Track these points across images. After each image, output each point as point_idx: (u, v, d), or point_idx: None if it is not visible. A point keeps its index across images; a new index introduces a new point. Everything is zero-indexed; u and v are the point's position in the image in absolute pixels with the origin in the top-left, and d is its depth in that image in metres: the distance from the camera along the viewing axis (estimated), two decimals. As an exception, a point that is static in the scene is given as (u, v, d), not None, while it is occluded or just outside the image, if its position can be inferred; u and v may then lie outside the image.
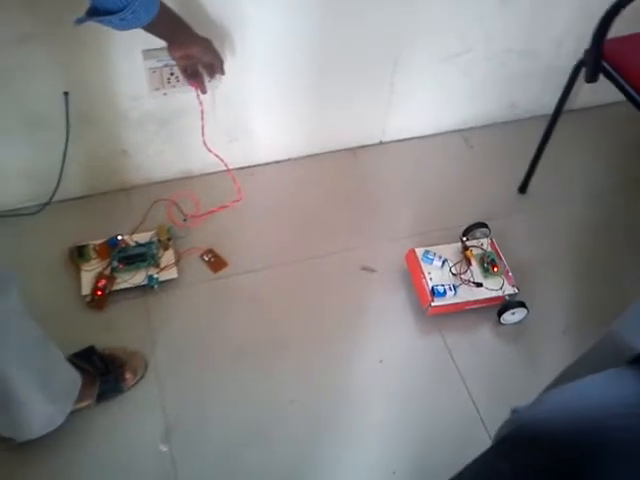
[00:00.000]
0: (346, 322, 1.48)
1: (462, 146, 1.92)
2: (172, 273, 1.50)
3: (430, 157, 1.87)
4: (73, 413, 1.24)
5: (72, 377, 1.22)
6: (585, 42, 1.36)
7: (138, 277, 1.48)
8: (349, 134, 1.83)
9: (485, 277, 1.50)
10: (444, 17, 1.60)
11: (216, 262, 1.55)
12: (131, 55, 1.39)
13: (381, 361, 1.42)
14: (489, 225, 1.58)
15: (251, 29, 1.45)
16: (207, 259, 1.55)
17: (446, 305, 1.45)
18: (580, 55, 1.42)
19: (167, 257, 1.53)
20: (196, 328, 1.44)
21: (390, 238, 1.65)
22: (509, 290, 1.48)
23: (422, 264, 1.50)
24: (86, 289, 1.45)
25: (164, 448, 1.26)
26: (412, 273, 1.52)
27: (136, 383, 1.34)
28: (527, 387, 1.01)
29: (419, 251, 1.52)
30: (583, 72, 1.42)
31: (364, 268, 1.58)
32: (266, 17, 1.44)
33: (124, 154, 1.60)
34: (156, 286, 1.47)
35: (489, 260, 1.52)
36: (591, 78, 1.38)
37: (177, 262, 1.52)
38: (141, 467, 1.24)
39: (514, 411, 0.89)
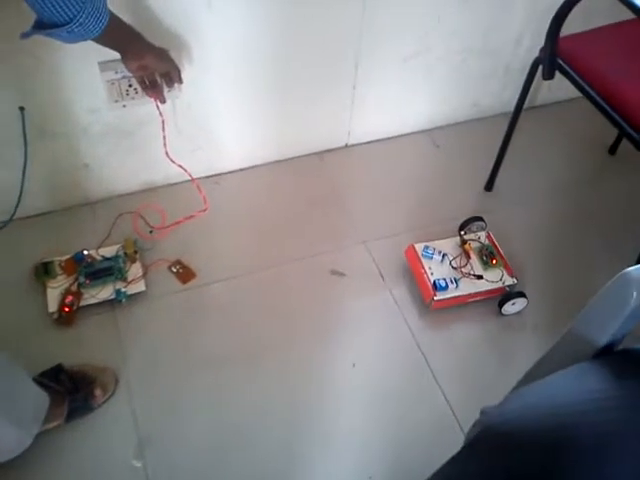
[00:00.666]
0: (317, 327, 1.48)
1: (428, 146, 1.93)
2: (140, 286, 1.49)
3: (397, 158, 1.88)
4: (42, 434, 1.22)
5: (39, 399, 1.20)
6: (541, 40, 1.38)
7: (106, 292, 1.46)
8: (314, 138, 1.83)
9: (485, 269, 1.53)
10: (403, 18, 1.61)
11: (184, 273, 1.54)
12: (87, 67, 1.37)
13: (354, 365, 1.43)
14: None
15: (208, 37, 1.44)
16: (175, 270, 1.54)
17: (448, 298, 1.47)
18: (537, 53, 1.44)
19: (134, 270, 1.51)
20: (166, 340, 1.43)
21: (358, 241, 1.65)
22: (509, 281, 1.51)
23: (422, 259, 1.53)
24: (53, 306, 1.43)
25: (138, 464, 1.25)
26: (412, 269, 1.54)
27: (106, 400, 1.32)
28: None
29: (419, 247, 1.54)
30: (541, 70, 1.44)
31: (334, 272, 1.58)
32: (223, 25, 1.43)
33: (86, 168, 1.58)
34: (124, 300, 1.46)
35: (487, 252, 1.55)
36: (548, 75, 1.39)
37: (145, 275, 1.51)
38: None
39: (483, 412, 0.89)
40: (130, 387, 1.35)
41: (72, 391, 1.27)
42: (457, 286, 1.48)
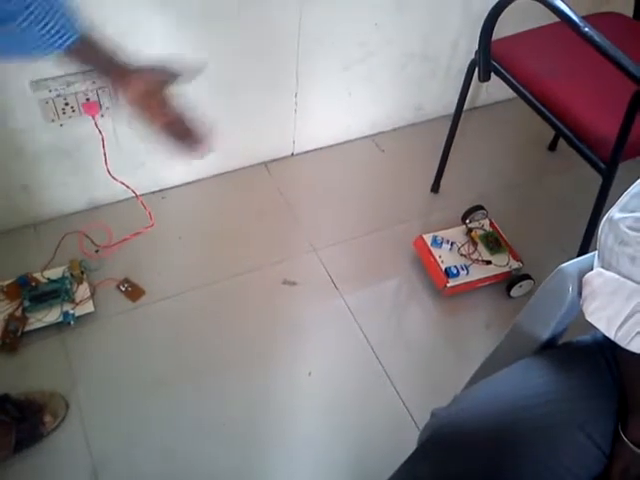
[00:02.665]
0: (271, 338, 1.47)
1: (373, 151, 1.95)
2: (88, 307, 1.46)
3: (343, 164, 1.89)
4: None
5: None
6: (476, 43, 1.40)
7: (52, 314, 1.43)
8: (260, 149, 1.82)
9: (492, 255, 1.60)
10: (340, 25, 1.62)
11: (133, 291, 1.52)
12: (19, 86, 1.34)
13: (310, 373, 1.42)
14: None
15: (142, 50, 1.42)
16: (124, 289, 1.52)
17: (460, 284, 1.54)
18: (473, 56, 1.47)
19: (82, 291, 1.48)
20: (118, 361, 1.40)
21: (308, 249, 1.65)
22: (515, 265, 1.58)
23: (432, 249, 1.58)
24: (-5, 333, 1.39)
25: (92, 488, 1.22)
26: (423, 259, 1.61)
27: (57, 426, 1.28)
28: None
29: (427, 237, 1.61)
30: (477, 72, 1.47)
31: (285, 282, 1.58)
32: (161, 37, 1.42)
33: (25, 189, 1.54)
34: (72, 322, 1.42)
35: (492, 239, 1.62)
36: (483, 77, 1.42)
37: (92, 295, 1.48)
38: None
39: (433, 414, 0.91)
40: (81, 411, 1.32)
41: (20, 420, 1.23)
42: (468, 272, 1.55)
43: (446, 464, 0.79)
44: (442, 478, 0.81)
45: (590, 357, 0.86)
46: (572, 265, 0.83)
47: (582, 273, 0.80)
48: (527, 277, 1.56)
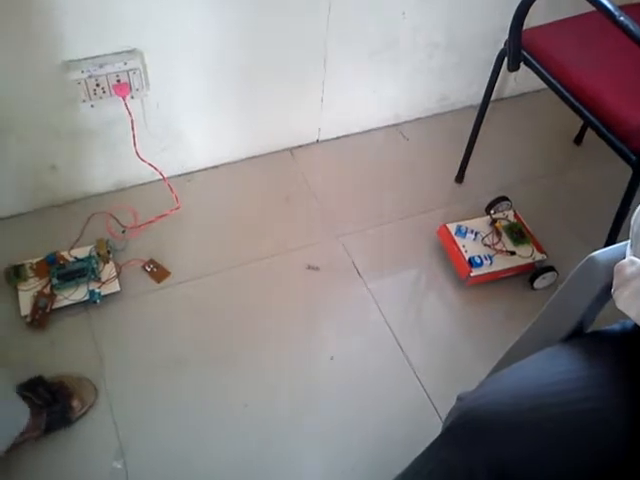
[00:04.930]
0: (294, 322, 1.49)
1: (398, 140, 1.95)
2: (114, 286, 1.48)
3: (367, 152, 1.89)
4: (20, 446, 1.20)
5: (16, 410, 1.18)
6: (506, 33, 1.40)
7: (79, 293, 1.45)
8: (285, 135, 1.83)
9: (516, 246, 1.60)
10: (368, 14, 1.62)
11: (158, 272, 1.53)
12: (53, 67, 1.36)
13: (332, 358, 1.44)
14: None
15: (177, 36, 1.44)
16: (149, 270, 1.53)
17: (483, 274, 1.54)
18: (502, 45, 1.46)
19: (108, 271, 1.50)
20: (142, 340, 1.42)
21: (331, 235, 1.66)
22: (539, 257, 1.59)
23: (456, 238, 1.59)
24: (25, 309, 1.41)
25: (118, 465, 1.24)
26: (447, 248, 1.61)
27: (85, 412, 1.30)
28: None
29: (451, 226, 1.62)
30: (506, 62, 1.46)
31: (309, 267, 1.59)
32: (192, 25, 1.43)
33: (54, 169, 1.56)
34: (98, 301, 1.45)
35: (517, 230, 1.63)
36: (512, 67, 1.42)
37: (118, 275, 1.50)
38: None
39: (459, 398, 0.91)
40: (106, 389, 1.34)
41: (50, 403, 1.25)
42: (491, 262, 1.56)
43: (473, 447, 0.80)
44: (468, 461, 0.81)
45: (619, 346, 0.86)
46: (603, 254, 0.83)
47: (613, 262, 0.80)
48: (551, 269, 1.56)
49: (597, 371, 0.82)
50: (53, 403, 1.25)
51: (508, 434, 0.81)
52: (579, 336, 0.90)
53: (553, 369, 0.85)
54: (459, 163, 1.80)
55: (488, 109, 1.63)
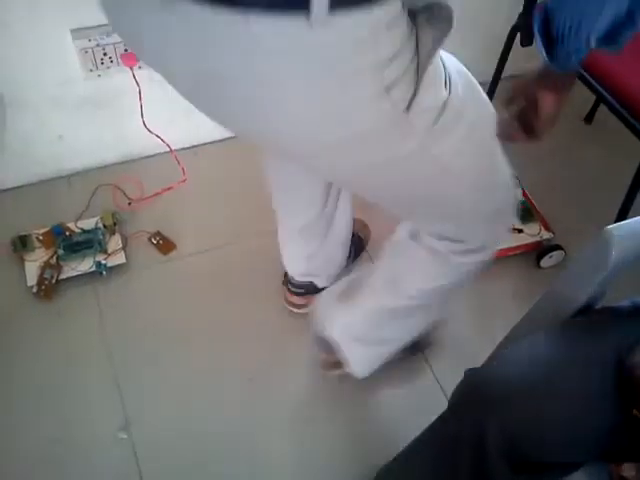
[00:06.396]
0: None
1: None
2: (120, 258, 1.48)
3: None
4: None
5: None
6: (519, 7, 1.38)
7: (85, 264, 1.45)
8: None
9: (523, 224, 1.59)
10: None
11: (164, 244, 1.53)
12: (60, 35, 1.35)
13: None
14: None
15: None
16: (155, 242, 1.53)
17: None
18: (515, 20, 1.44)
19: (114, 242, 1.50)
20: (148, 312, 1.43)
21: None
22: (546, 235, 1.59)
23: None
24: (31, 280, 1.41)
25: (124, 435, 1.25)
26: None
27: None
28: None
29: None
30: (519, 37, 1.44)
31: (315, 242, 1.58)
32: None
33: (60, 140, 1.55)
34: (104, 272, 1.45)
35: (524, 208, 1.62)
36: (526, 42, 1.40)
37: (124, 247, 1.50)
38: (102, 456, 1.23)
39: (466, 373, 0.91)
40: (111, 359, 1.34)
41: None
42: None
43: (483, 416, 0.80)
44: (475, 435, 0.81)
45: (629, 322, 0.86)
46: (619, 227, 0.82)
47: (628, 236, 0.80)
48: (558, 247, 1.56)
49: (604, 346, 0.82)
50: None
51: (515, 406, 0.81)
52: (588, 311, 0.90)
53: (561, 343, 0.85)
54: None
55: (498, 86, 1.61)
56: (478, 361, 0.96)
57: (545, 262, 1.57)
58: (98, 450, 1.23)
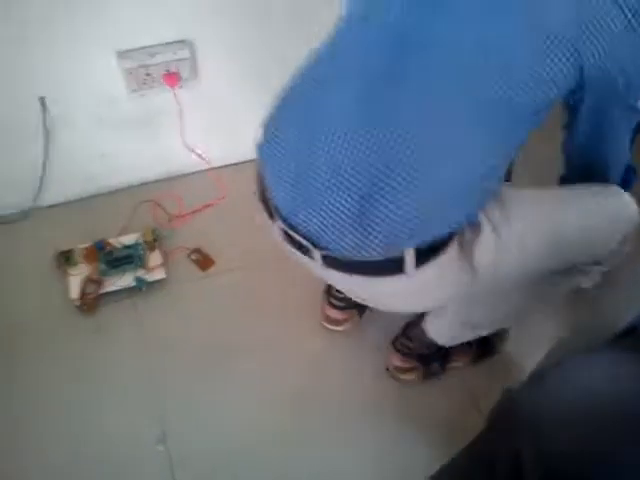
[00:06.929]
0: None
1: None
2: (160, 274, 1.50)
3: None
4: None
5: None
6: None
7: (126, 279, 1.48)
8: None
9: None
10: None
11: (203, 261, 1.55)
12: (106, 57, 1.39)
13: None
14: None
15: (223, 26, 1.45)
16: (194, 258, 1.55)
17: None
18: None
19: (154, 258, 1.52)
20: (186, 327, 1.44)
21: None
22: None
23: None
24: (74, 293, 1.44)
25: (161, 448, 1.26)
26: None
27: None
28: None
29: None
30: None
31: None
32: (239, 15, 1.44)
33: (104, 157, 1.59)
34: (144, 287, 1.47)
35: None
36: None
37: (164, 262, 1.52)
38: (139, 468, 1.25)
39: (508, 391, 0.89)
40: (150, 374, 1.36)
41: None
42: None
43: (516, 445, 0.78)
44: (511, 459, 0.80)
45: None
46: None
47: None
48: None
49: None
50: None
51: (559, 435, 0.79)
52: (633, 334, 0.88)
53: (611, 369, 0.83)
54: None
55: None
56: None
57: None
58: (136, 463, 1.25)
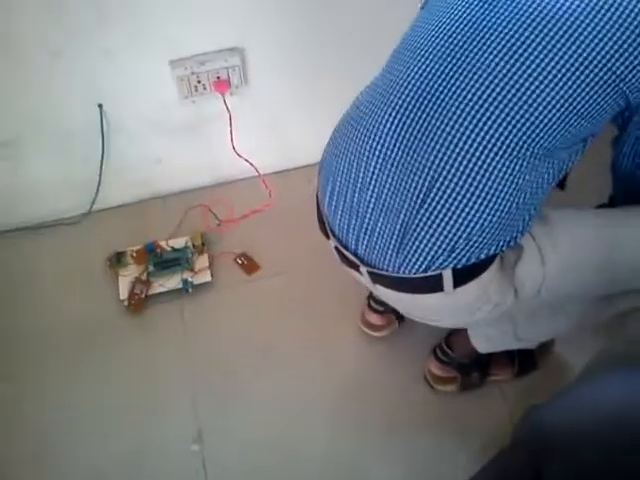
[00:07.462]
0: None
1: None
2: (206, 276, 1.53)
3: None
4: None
5: None
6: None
7: (173, 281, 1.51)
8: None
9: None
10: None
11: (249, 265, 1.57)
12: (159, 65, 1.43)
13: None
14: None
15: (273, 34, 1.47)
16: (240, 262, 1.57)
17: None
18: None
19: (201, 261, 1.55)
20: (230, 329, 1.46)
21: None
22: None
23: None
24: (123, 293, 1.49)
25: (196, 448, 1.28)
26: None
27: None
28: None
29: None
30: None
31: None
32: (287, 23, 1.46)
33: (159, 162, 1.64)
34: (191, 289, 1.50)
35: None
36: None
37: (211, 266, 1.55)
38: (174, 467, 1.27)
39: (533, 407, 0.86)
40: (192, 373, 1.39)
41: None
42: None
43: (539, 463, 0.75)
44: (535, 476, 0.76)
45: None
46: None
47: None
48: None
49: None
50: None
51: (590, 453, 0.75)
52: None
53: (636, 389, 0.78)
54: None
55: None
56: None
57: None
58: (171, 461, 1.27)
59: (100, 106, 1.48)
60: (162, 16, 1.36)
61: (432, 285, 0.93)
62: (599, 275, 0.99)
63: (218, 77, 1.47)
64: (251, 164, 1.60)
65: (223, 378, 1.38)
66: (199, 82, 1.47)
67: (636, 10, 0.79)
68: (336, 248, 1.05)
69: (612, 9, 0.80)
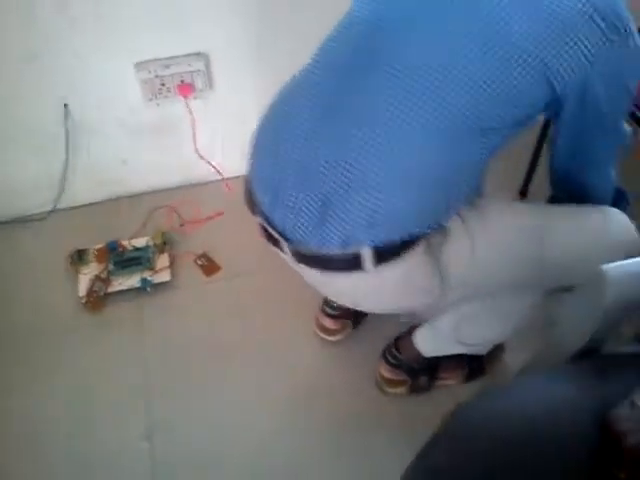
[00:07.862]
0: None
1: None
2: (165, 276, 1.55)
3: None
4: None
5: None
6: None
7: (132, 280, 1.53)
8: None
9: None
10: None
11: (209, 266, 1.59)
12: (125, 68, 1.46)
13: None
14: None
15: (239, 40, 1.50)
16: (200, 263, 1.60)
17: None
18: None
19: (162, 261, 1.58)
20: (186, 329, 1.48)
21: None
22: None
23: None
24: (82, 291, 1.51)
25: (145, 445, 1.29)
26: None
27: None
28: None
29: None
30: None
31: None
32: (253, 29, 1.48)
33: (124, 163, 1.66)
34: (149, 288, 1.52)
35: None
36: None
37: (171, 266, 1.57)
38: (121, 461, 1.29)
39: (457, 407, 0.88)
40: (147, 369, 1.41)
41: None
42: None
43: (469, 455, 0.77)
44: (461, 466, 0.79)
45: (629, 370, 0.81)
46: (613, 269, 0.78)
47: (621, 277, 0.76)
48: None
49: (593, 393, 0.77)
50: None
51: (501, 444, 0.77)
52: (589, 356, 0.85)
53: (549, 390, 0.81)
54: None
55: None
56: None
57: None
58: (120, 455, 1.29)
59: (65, 106, 1.50)
60: (129, 20, 1.39)
61: (353, 262, 0.91)
62: (527, 265, 1.00)
63: (182, 81, 1.50)
64: (214, 167, 1.62)
65: (178, 376, 1.40)
66: (163, 85, 1.50)
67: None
68: (261, 226, 1.05)
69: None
